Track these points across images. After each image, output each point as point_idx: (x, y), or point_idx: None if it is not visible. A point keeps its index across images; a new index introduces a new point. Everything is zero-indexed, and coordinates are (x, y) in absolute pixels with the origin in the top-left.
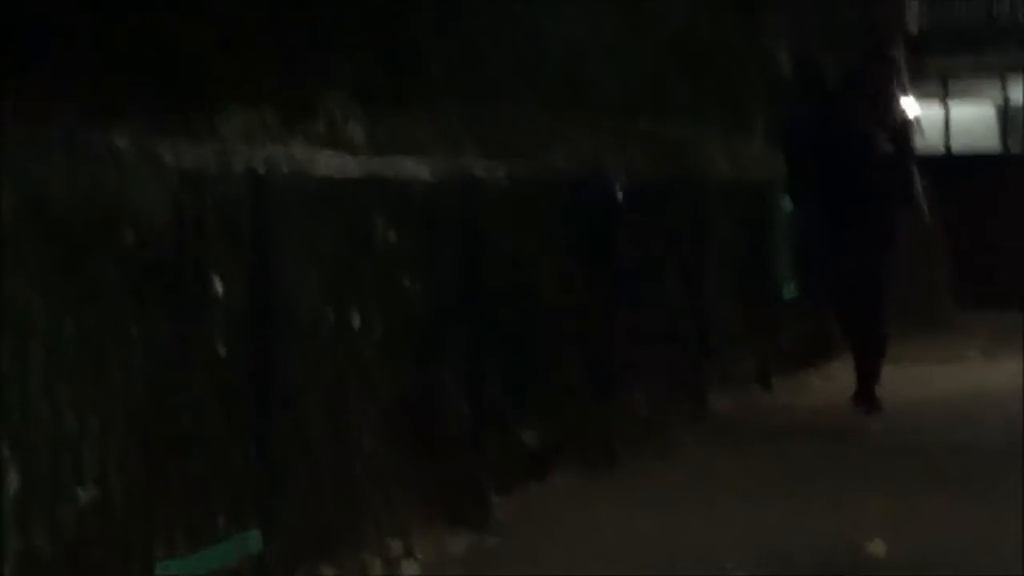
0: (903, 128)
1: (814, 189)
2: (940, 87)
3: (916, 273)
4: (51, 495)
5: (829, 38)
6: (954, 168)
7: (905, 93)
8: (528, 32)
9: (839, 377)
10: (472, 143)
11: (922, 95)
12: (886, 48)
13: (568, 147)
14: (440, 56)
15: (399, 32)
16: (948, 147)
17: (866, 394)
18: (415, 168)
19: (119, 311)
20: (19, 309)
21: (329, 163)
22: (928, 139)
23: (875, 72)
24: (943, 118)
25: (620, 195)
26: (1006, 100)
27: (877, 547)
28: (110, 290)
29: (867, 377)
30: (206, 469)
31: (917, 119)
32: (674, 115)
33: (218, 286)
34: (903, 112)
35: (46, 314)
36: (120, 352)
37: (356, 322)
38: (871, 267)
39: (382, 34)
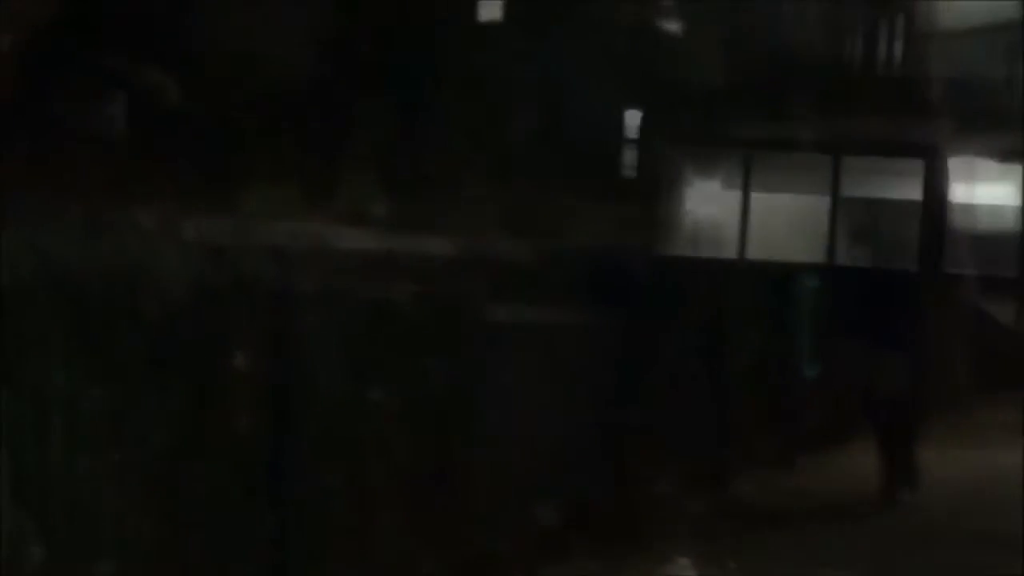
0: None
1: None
2: None
3: (942, 356)
4: (71, 566)
5: None
6: None
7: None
8: (554, 114)
9: (862, 458)
10: (494, 221)
11: None
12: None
13: (590, 226)
14: (464, 135)
15: (422, 112)
16: None
17: (890, 478)
18: (436, 245)
19: (139, 384)
20: (39, 381)
21: (350, 239)
22: None
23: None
24: None
25: (642, 274)
26: None
27: None
28: (130, 363)
29: (891, 461)
30: (224, 541)
31: None
32: None
33: (239, 359)
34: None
35: (66, 387)
36: (139, 424)
37: (376, 397)
38: (901, 351)
39: (405, 113)
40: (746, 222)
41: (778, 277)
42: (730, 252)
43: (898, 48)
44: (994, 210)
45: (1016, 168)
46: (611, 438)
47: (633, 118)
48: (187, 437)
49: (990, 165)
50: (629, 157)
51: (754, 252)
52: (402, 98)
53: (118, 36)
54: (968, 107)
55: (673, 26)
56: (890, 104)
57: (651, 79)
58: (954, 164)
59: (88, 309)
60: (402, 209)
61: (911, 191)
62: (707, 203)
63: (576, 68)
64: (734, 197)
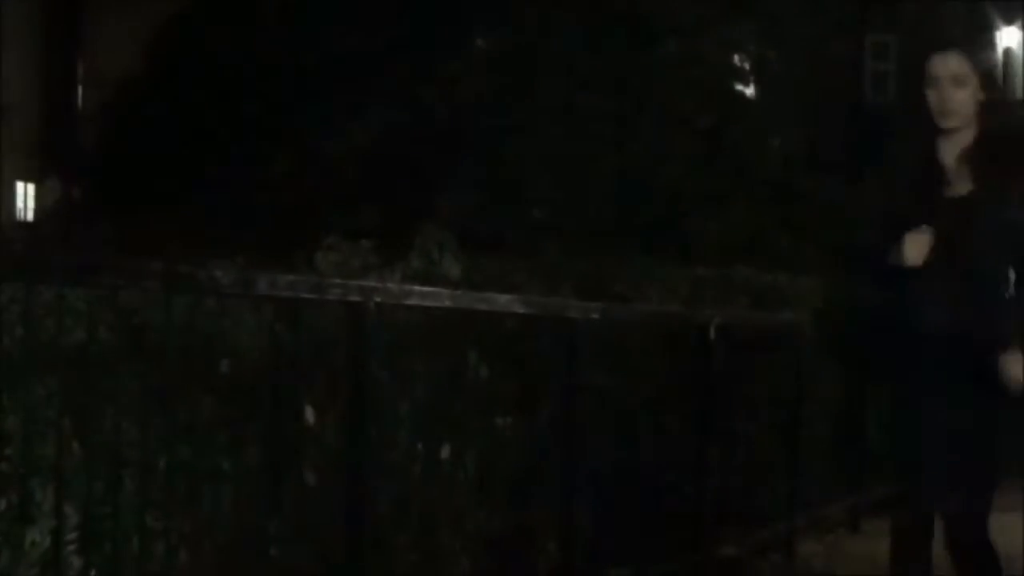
0: None
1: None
2: None
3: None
4: None
5: None
6: None
7: None
8: (628, 178)
9: None
10: (568, 284)
11: None
12: None
13: (664, 290)
14: (539, 198)
15: (499, 173)
16: None
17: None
18: (510, 305)
19: (212, 442)
20: (113, 438)
21: (424, 297)
22: None
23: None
24: None
25: (715, 338)
26: None
27: None
28: (204, 421)
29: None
30: None
31: None
32: (773, 262)
33: (311, 417)
34: None
35: (139, 444)
36: (212, 483)
37: (448, 457)
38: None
39: (481, 174)
40: None
41: None
42: None
43: None
44: None
45: None
46: (676, 498)
47: None
48: (258, 495)
49: None
50: None
51: None
52: None
53: None
54: None
55: None
56: None
57: None
58: None
59: (161, 365)
60: None
61: None
62: None
63: None
64: None
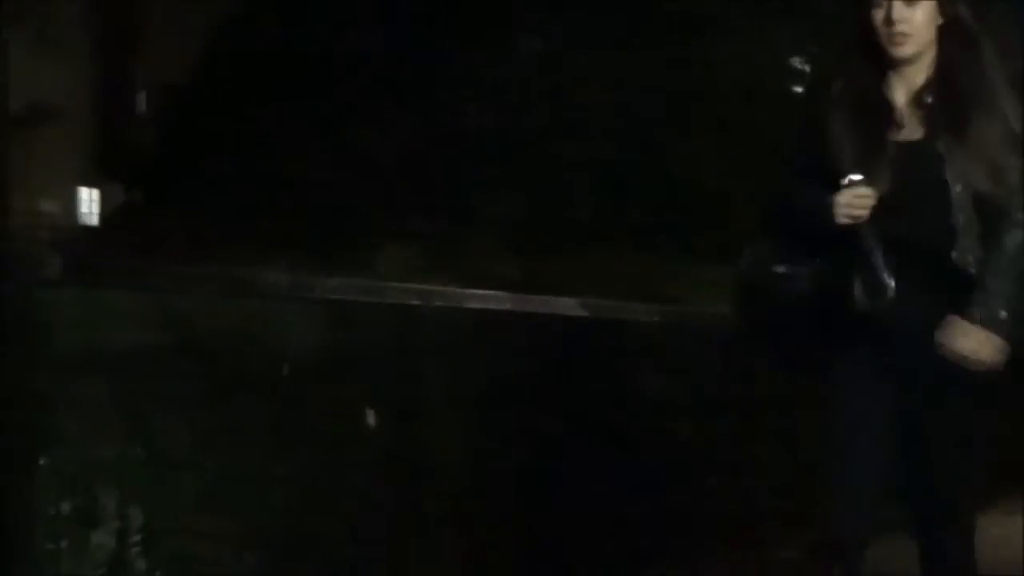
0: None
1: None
2: None
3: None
4: None
5: None
6: None
7: None
8: (678, 179)
9: None
10: (620, 286)
11: None
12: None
13: (716, 292)
14: (588, 199)
15: (548, 175)
16: None
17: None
18: (566, 308)
19: (263, 443)
20: (166, 440)
21: (479, 300)
22: None
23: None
24: None
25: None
26: None
27: None
28: (255, 422)
29: None
30: None
31: None
32: None
33: (365, 420)
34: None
35: (191, 445)
36: (262, 485)
37: (497, 461)
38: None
39: (531, 176)
40: None
41: None
42: None
43: None
44: None
45: None
46: (723, 505)
47: None
48: (309, 498)
49: None
50: None
51: None
52: None
53: None
54: None
55: None
56: None
57: None
58: None
59: (212, 367)
60: None
61: None
62: None
63: None
64: None
